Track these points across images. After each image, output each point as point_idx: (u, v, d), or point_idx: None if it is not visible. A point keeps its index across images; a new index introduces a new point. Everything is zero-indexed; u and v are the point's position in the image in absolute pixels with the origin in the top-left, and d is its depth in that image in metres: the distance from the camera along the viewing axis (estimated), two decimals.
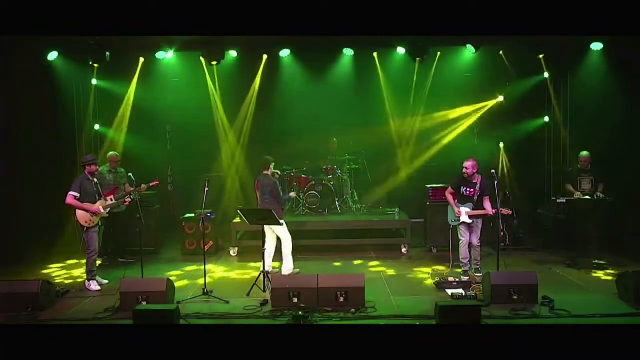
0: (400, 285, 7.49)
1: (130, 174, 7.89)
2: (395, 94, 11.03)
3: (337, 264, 8.74)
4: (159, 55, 10.19)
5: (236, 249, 9.45)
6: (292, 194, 8.95)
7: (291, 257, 7.91)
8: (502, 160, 11.12)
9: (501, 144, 11.16)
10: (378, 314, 6.28)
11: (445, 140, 11.00)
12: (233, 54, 10.37)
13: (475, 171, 7.51)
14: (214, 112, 10.98)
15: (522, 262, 8.55)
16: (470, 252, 7.61)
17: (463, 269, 7.65)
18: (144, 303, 6.33)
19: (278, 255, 8.00)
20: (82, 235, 7.52)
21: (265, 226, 7.66)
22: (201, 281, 7.20)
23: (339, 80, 10.93)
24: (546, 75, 10.55)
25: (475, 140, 11.43)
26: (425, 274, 7.95)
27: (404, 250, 9.36)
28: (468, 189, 7.54)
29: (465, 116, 11.06)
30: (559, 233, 9.39)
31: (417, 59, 10.03)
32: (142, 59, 10.41)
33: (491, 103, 10.92)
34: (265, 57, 10.72)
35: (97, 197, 7.52)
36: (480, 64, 10.63)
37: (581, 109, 10.12)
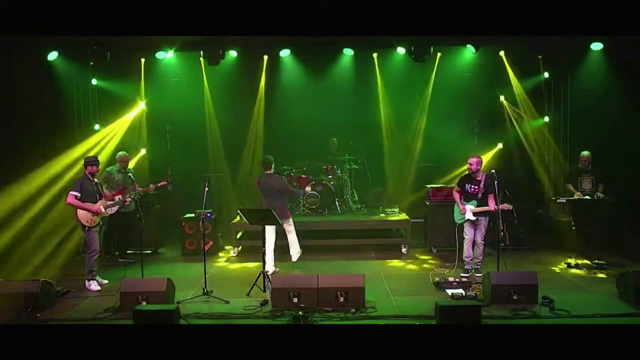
0: (400, 285, 7.49)
1: (130, 174, 7.89)
2: (395, 94, 11.04)
3: (337, 264, 8.74)
4: (159, 55, 10.20)
5: (236, 249, 9.45)
6: (308, 189, 8.90)
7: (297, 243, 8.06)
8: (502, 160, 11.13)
9: (500, 144, 11.15)
10: (378, 314, 6.28)
11: (445, 140, 11.00)
12: (233, 54, 10.37)
13: (479, 167, 7.60)
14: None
15: (522, 262, 8.55)
16: (473, 249, 7.64)
17: (465, 267, 7.69)
18: (144, 303, 6.33)
19: (278, 255, 7.99)
20: (83, 235, 7.52)
21: (265, 226, 7.66)
22: (201, 281, 7.20)
23: (339, 81, 10.93)
24: (546, 75, 10.55)
25: (475, 140, 11.44)
26: (425, 274, 7.95)
27: (404, 250, 9.36)
28: (472, 187, 7.62)
29: (465, 116, 11.07)
30: (558, 233, 9.37)
31: (418, 59, 10.02)
32: (143, 60, 10.40)
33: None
34: (266, 57, 10.73)
35: (98, 197, 7.54)
36: (480, 64, 10.63)
37: (581, 109, 10.11)
